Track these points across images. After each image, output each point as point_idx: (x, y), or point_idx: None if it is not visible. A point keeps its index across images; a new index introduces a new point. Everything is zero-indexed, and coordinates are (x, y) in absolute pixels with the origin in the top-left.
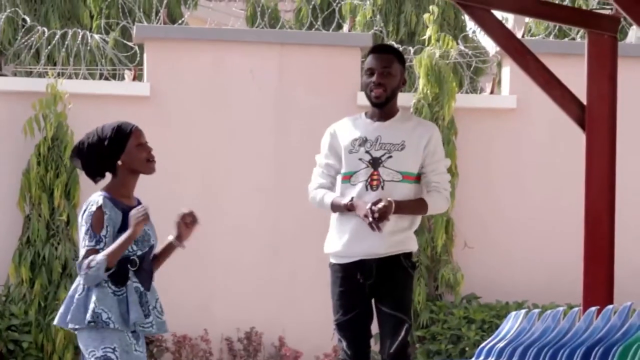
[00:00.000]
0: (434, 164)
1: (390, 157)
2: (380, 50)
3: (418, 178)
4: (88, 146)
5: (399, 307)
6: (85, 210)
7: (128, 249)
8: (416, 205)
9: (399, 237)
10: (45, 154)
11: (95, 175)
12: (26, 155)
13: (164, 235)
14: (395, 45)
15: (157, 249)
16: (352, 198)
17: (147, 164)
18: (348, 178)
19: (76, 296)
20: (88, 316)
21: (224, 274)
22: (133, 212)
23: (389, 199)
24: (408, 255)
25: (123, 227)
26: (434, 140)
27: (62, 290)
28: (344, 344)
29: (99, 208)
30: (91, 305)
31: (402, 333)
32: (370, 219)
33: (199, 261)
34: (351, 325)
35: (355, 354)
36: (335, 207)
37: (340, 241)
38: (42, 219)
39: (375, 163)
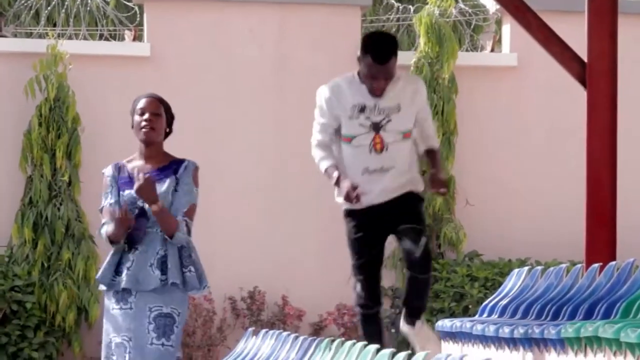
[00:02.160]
0: (424, 113)
1: (390, 120)
2: (380, 60)
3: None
4: None
5: (416, 222)
6: None
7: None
8: (439, 159)
9: (405, 185)
10: (46, 115)
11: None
12: (27, 116)
13: None
14: (390, 36)
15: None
16: (339, 177)
17: (139, 131)
18: (349, 140)
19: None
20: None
21: (225, 234)
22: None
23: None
24: (415, 191)
25: (120, 183)
26: (422, 94)
27: (64, 251)
28: (359, 286)
29: (103, 174)
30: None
31: (423, 240)
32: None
33: (201, 221)
34: (365, 268)
35: (369, 296)
36: (327, 175)
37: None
38: (44, 180)
39: (376, 127)
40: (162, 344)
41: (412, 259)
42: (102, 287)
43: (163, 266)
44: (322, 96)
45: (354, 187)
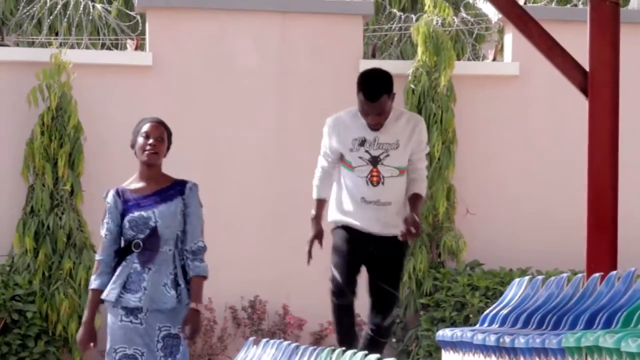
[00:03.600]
0: (420, 153)
1: (388, 155)
2: (371, 98)
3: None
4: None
5: (395, 283)
6: None
7: (128, 234)
8: (420, 205)
9: (398, 219)
10: (49, 124)
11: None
12: (30, 125)
13: None
14: (384, 68)
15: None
16: (315, 219)
17: (142, 153)
18: (351, 167)
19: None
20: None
21: (227, 243)
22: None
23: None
24: (403, 243)
25: (123, 213)
26: (421, 132)
27: (66, 260)
28: (336, 273)
29: (105, 200)
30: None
31: (394, 310)
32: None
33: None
34: (345, 264)
35: (345, 281)
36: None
37: (343, 216)
38: (46, 189)
39: (374, 161)
40: None
41: (377, 324)
42: (108, 301)
43: (175, 285)
44: (326, 129)
45: (317, 237)
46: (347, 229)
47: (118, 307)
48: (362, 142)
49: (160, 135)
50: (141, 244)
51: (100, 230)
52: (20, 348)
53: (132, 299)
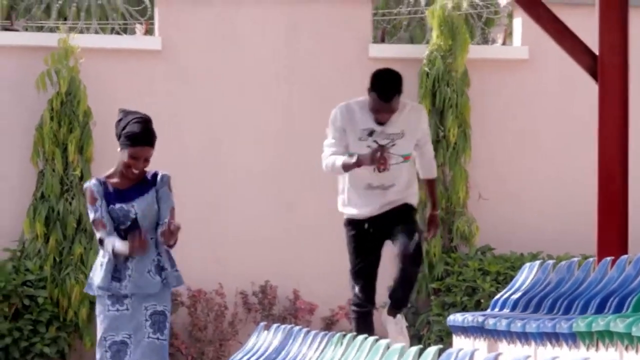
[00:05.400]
0: (425, 138)
1: (394, 144)
2: (385, 99)
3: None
4: (117, 122)
5: (410, 224)
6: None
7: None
8: (436, 190)
9: (400, 196)
10: (58, 109)
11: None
12: (39, 110)
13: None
14: (395, 70)
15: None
16: (358, 156)
17: (127, 169)
18: None
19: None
20: (87, 286)
21: (237, 228)
22: (132, 240)
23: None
24: (410, 205)
25: (107, 198)
26: (424, 122)
27: (76, 245)
28: (357, 288)
29: (87, 188)
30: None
31: (417, 236)
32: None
33: (213, 216)
34: (364, 273)
35: (366, 297)
36: (346, 167)
37: (354, 207)
38: (56, 174)
39: (381, 149)
40: (157, 338)
41: (405, 252)
42: (98, 292)
43: (160, 270)
44: (336, 116)
45: (379, 150)
46: (355, 226)
47: (105, 297)
48: (371, 133)
49: (148, 156)
50: (123, 234)
51: (92, 214)
52: (31, 334)
53: (118, 287)
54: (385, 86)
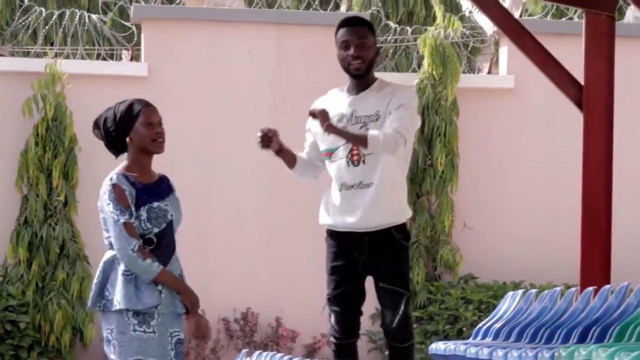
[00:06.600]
0: (396, 112)
1: (367, 129)
2: (354, 23)
3: None
4: (104, 120)
5: (396, 281)
6: (104, 193)
7: (143, 227)
8: (353, 136)
9: (388, 208)
10: (43, 135)
11: (114, 149)
12: (24, 135)
13: None
14: (366, 17)
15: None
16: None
17: (153, 143)
18: (329, 155)
19: (95, 281)
20: (94, 301)
21: (220, 255)
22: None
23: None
24: (400, 227)
25: (137, 203)
26: (401, 94)
27: (59, 271)
28: (333, 318)
29: (115, 185)
30: (105, 288)
31: (402, 306)
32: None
33: (196, 242)
34: (341, 300)
35: (342, 330)
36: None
37: (332, 214)
38: (40, 200)
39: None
40: None
41: (389, 328)
42: (119, 307)
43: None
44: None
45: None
46: (336, 241)
47: (129, 316)
48: (339, 119)
49: (160, 119)
50: (154, 239)
51: (120, 217)
52: (13, 359)
53: (147, 302)
54: (355, 17)
